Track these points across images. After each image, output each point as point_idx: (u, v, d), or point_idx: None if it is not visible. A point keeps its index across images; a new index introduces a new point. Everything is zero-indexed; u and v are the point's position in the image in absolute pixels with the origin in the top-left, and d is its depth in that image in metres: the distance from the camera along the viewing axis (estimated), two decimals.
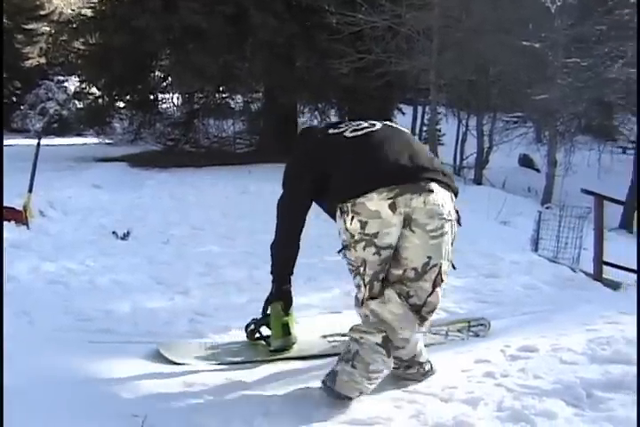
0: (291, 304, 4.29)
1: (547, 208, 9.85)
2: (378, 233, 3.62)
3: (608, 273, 7.18)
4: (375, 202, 3.61)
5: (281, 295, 4.24)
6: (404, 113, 18.49)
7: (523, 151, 21.71)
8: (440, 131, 25.80)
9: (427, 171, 3.72)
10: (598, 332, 4.50)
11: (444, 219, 3.67)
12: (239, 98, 18.54)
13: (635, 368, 4.01)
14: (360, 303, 3.77)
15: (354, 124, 4.00)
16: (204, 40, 14.65)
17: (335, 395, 3.52)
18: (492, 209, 11.10)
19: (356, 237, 3.66)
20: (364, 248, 3.65)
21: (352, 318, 4.92)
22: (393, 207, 3.62)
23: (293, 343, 4.28)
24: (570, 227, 8.56)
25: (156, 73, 17.95)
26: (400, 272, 3.69)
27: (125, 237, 8.03)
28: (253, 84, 17.24)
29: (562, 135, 16.42)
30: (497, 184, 18.16)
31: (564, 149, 17.45)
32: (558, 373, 3.94)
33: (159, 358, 4.14)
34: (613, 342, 4.27)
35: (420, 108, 23.20)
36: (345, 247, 3.71)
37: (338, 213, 3.73)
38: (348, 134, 3.90)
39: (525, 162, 23.63)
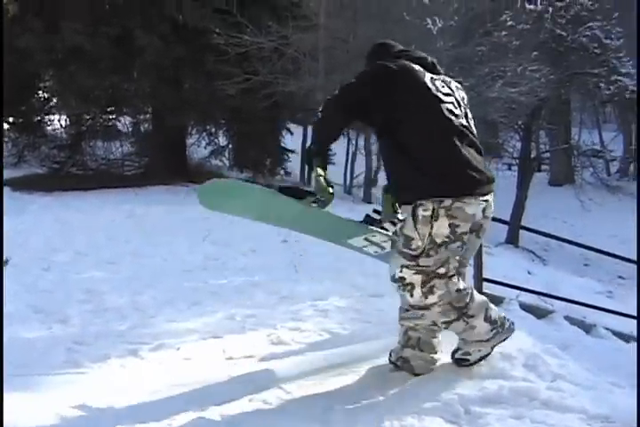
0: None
1: None
2: (466, 232, 3.79)
3: (493, 289, 7.36)
4: (473, 206, 3.74)
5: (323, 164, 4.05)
6: (292, 133, 18.53)
7: None
8: (330, 150, 26.06)
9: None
10: None
11: None
12: (127, 119, 18.29)
13: (510, 383, 4.10)
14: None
15: (444, 82, 4.02)
16: (89, 61, 14.44)
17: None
18: None
19: (439, 241, 3.74)
20: (447, 246, 3.76)
21: (235, 342, 4.93)
22: (483, 212, 3.85)
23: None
24: None
25: (41, 94, 17.55)
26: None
27: (4, 264, 7.78)
28: (141, 105, 17.06)
29: None
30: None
31: None
32: (439, 390, 3.99)
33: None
34: (490, 357, 4.34)
35: (309, 128, 23.31)
36: (421, 254, 3.76)
37: (419, 214, 3.75)
38: (444, 104, 3.87)
39: None
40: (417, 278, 3.82)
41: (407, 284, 3.87)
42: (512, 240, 15.89)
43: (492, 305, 4.17)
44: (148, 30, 14.45)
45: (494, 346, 4.24)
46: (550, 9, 17.55)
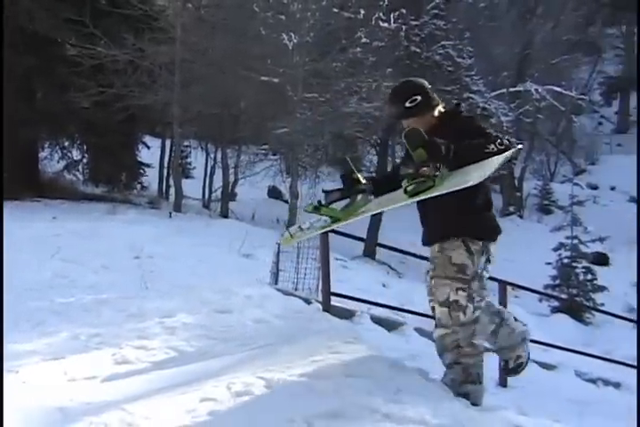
0: None
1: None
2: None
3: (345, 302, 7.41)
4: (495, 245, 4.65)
5: None
6: (149, 147, 18.25)
7: (271, 183, 22.09)
8: (190, 164, 25.86)
9: None
10: (321, 363, 4.58)
11: None
12: None
13: (353, 397, 4.12)
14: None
15: None
16: None
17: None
18: (236, 242, 11.16)
19: (479, 272, 4.56)
20: (483, 276, 4.60)
21: (78, 363, 4.76)
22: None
23: None
24: (310, 258, 8.74)
25: None
26: None
27: None
28: None
29: (305, 168, 16.88)
30: (247, 216, 18.36)
31: (310, 181, 17.94)
32: (280, 406, 3.96)
33: None
34: (334, 372, 4.36)
35: (168, 142, 23.11)
36: (473, 279, 4.52)
37: (472, 248, 4.56)
38: None
39: (274, 193, 24.09)
40: (468, 299, 4.51)
41: (460, 305, 4.50)
42: (369, 253, 16.12)
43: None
44: None
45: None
46: (404, 27, 17.98)
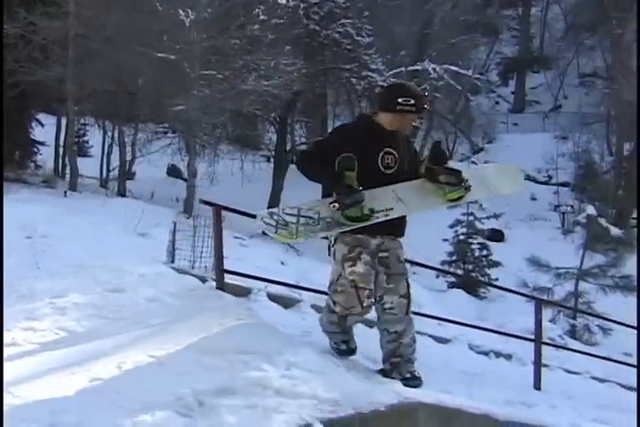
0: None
1: (187, 218, 9.95)
2: None
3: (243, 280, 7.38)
4: None
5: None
6: (43, 124, 17.75)
7: (170, 162, 21.81)
8: (88, 142, 25.30)
9: None
10: (212, 340, 4.57)
11: None
12: None
13: (244, 373, 4.12)
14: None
15: None
16: None
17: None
18: (132, 221, 10.99)
19: None
20: None
21: None
22: None
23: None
24: (207, 236, 8.67)
25: None
26: None
27: None
28: None
29: (203, 146, 16.73)
30: (145, 195, 18.10)
31: (209, 159, 17.80)
32: (172, 384, 3.93)
33: None
34: (225, 349, 4.35)
35: (64, 120, 22.54)
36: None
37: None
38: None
39: (173, 172, 23.81)
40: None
41: (411, 297, 5.13)
42: None
43: None
44: None
45: None
46: (303, 5, 17.95)
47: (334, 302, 5.01)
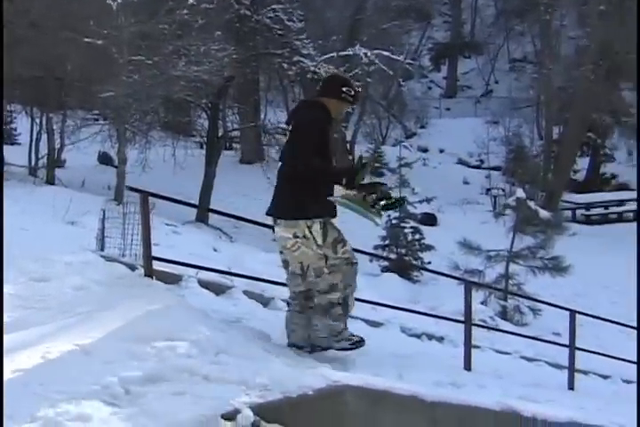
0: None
1: (118, 205, 9.84)
2: None
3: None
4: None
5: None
6: None
7: (101, 149, 21.46)
8: (16, 130, 24.79)
9: None
10: (139, 328, 4.53)
11: None
12: None
13: (172, 360, 4.09)
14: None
15: None
16: None
17: None
18: (61, 210, 10.82)
19: None
20: None
21: None
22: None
23: None
24: (137, 223, 8.57)
25: None
26: None
27: None
28: None
29: (134, 133, 16.52)
30: (76, 183, 17.84)
31: (140, 146, 17.59)
32: (98, 373, 3.89)
33: None
34: (153, 336, 4.32)
35: None
36: None
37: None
38: None
39: (105, 159, 23.47)
40: None
41: None
42: (202, 218, 16.02)
43: None
44: None
45: None
46: None
47: (332, 287, 5.39)
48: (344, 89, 5.45)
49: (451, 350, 8.25)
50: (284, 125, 23.37)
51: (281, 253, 5.58)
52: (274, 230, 5.50)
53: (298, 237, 5.29)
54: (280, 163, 5.45)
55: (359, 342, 5.58)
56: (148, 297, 5.35)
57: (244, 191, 21.85)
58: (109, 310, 5.00)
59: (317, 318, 5.46)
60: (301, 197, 5.23)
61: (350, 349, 5.57)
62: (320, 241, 5.32)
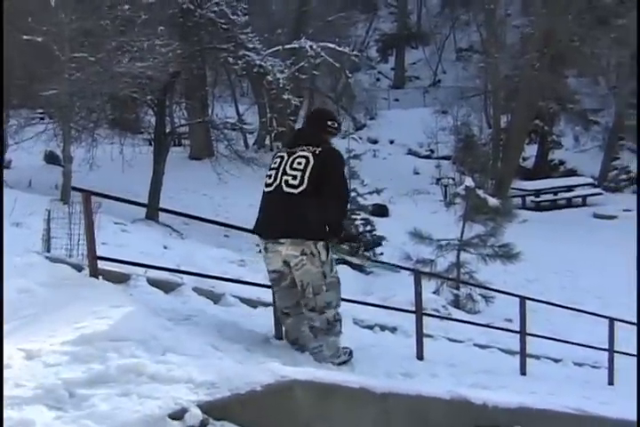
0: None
1: (64, 205, 9.69)
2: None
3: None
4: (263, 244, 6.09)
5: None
6: None
7: (47, 148, 21.15)
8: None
9: None
10: (84, 329, 4.45)
11: None
12: None
13: (117, 361, 4.03)
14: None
15: (282, 156, 6.05)
16: None
17: None
18: (5, 211, 10.61)
19: None
20: None
21: None
22: (266, 251, 6.06)
23: None
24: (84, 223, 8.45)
25: None
26: None
27: None
28: None
29: (79, 131, 16.30)
30: (23, 184, 17.59)
31: (86, 144, 17.38)
32: (41, 377, 3.82)
33: None
34: (98, 337, 4.26)
35: None
36: None
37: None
38: (265, 179, 6.16)
39: (51, 159, 23.13)
40: None
41: None
42: (151, 216, 15.86)
43: None
44: None
45: None
46: None
47: (328, 304, 5.88)
48: (329, 123, 6.09)
49: (403, 341, 8.28)
50: (231, 120, 23.25)
51: (273, 271, 6.02)
52: (265, 248, 5.95)
53: (305, 254, 5.72)
54: (292, 183, 5.75)
55: (351, 353, 6.27)
56: (93, 298, 5.27)
57: (194, 188, 21.73)
58: (54, 312, 4.92)
59: (321, 339, 5.97)
60: (321, 219, 5.75)
61: (348, 360, 6.18)
62: (324, 258, 5.79)
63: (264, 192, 5.91)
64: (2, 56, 11.26)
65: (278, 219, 5.75)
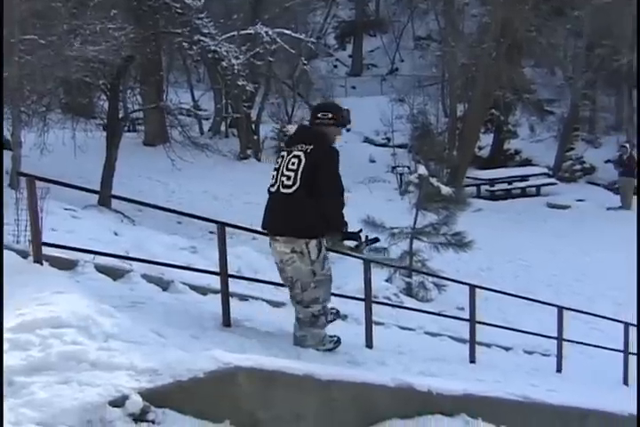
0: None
1: (13, 190, 9.56)
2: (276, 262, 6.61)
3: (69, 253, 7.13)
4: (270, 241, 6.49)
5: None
6: None
7: None
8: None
9: None
10: (24, 316, 4.38)
11: None
12: None
13: (58, 348, 3.98)
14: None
15: (284, 155, 6.43)
16: None
17: None
18: None
19: None
20: None
21: None
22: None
23: None
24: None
25: None
26: None
27: None
28: None
29: (29, 115, 16.04)
30: None
31: (38, 129, 17.12)
32: None
33: None
34: (40, 324, 4.20)
35: None
36: None
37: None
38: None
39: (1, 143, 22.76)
40: None
41: None
42: (104, 202, 15.68)
43: None
44: None
45: None
46: None
47: (314, 300, 6.29)
48: (319, 115, 6.42)
49: (354, 328, 8.29)
50: (186, 106, 23.03)
51: (276, 263, 6.45)
52: (269, 243, 6.36)
53: (295, 252, 6.06)
54: (287, 184, 6.07)
55: (338, 341, 6.69)
56: (36, 284, 5.20)
57: (147, 174, 21.52)
58: None
59: (305, 330, 6.38)
60: (314, 218, 6.02)
61: (334, 348, 6.61)
62: (314, 257, 6.09)
63: (268, 192, 6.28)
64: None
65: (275, 218, 6.18)
